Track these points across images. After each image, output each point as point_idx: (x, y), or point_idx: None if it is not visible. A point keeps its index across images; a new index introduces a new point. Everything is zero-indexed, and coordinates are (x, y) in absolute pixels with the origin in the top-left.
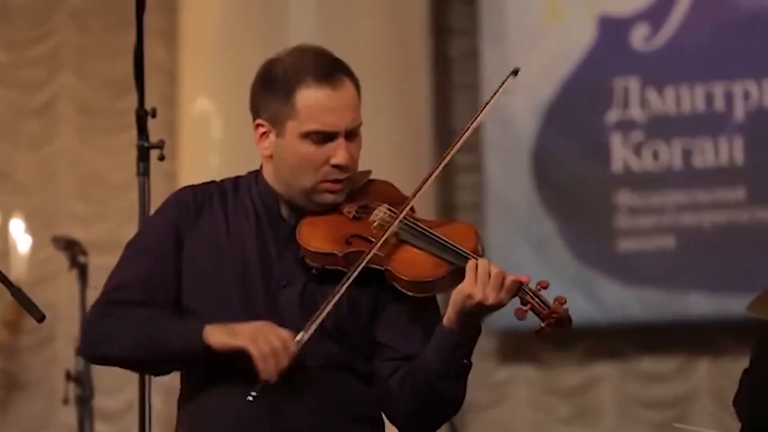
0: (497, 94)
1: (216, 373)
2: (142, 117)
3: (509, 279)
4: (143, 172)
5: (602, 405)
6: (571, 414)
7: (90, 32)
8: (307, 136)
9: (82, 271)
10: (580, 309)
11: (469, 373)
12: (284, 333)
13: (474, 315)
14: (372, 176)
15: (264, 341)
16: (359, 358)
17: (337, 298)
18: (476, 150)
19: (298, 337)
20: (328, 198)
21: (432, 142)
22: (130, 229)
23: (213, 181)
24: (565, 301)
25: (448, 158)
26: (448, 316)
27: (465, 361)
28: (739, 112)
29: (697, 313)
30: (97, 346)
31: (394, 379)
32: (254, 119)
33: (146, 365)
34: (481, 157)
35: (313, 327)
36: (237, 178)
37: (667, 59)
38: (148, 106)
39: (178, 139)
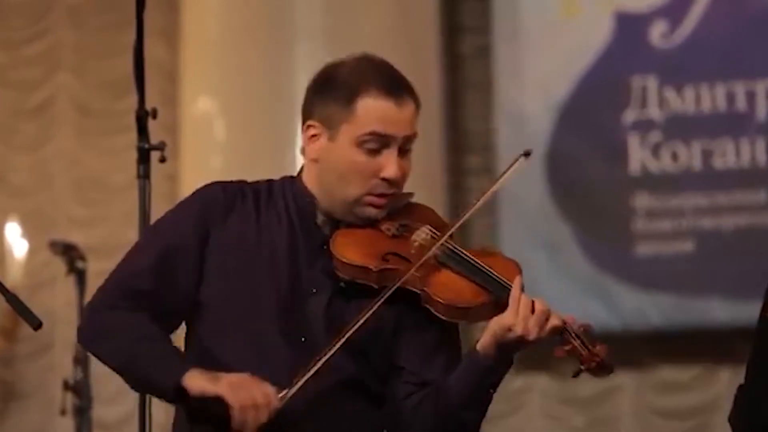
0: (509, 172)
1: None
2: (142, 118)
3: (553, 317)
4: (143, 175)
5: (619, 415)
6: (586, 424)
7: (88, 30)
8: (361, 143)
9: (81, 277)
10: (596, 316)
11: (490, 404)
12: (269, 388)
13: (511, 348)
14: None
15: (246, 393)
16: (374, 378)
17: (348, 335)
18: (488, 151)
19: (283, 393)
20: (371, 212)
21: (443, 143)
22: (129, 234)
23: (243, 181)
24: (608, 349)
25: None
26: (484, 344)
27: (491, 390)
28: (762, 111)
29: (718, 320)
30: (92, 339)
31: (409, 402)
32: (305, 120)
33: (125, 379)
34: (493, 159)
35: (302, 382)
36: (270, 181)
37: (686, 57)
38: (148, 106)
39: (179, 141)
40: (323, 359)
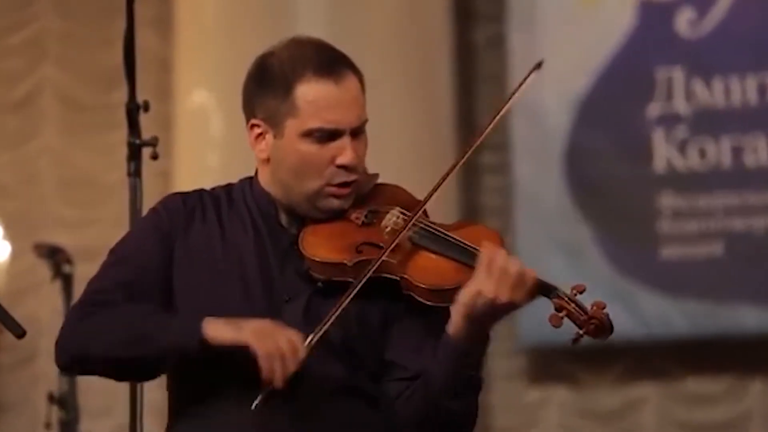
0: (520, 88)
1: (210, 390)
2: (133, 111)
3: (529, 274)
4: (134, 172)
5: (643, 429)
6: None
7: (75, 18)
8: (308, 134)
9: (67, 282)
10: (619, 323)
11: (480, 387)
12: (293, 334)
13: (483, 318)
14: (387, 177)
15: (271, 341)
16: (368, 379)
17: (347, 301)
18: (504, 148)
19: (308, 341)
20: (334, 204)
21: (454, 139)
22: (120, 235)
23: (203, 189)
24: (605, 306)
25: (465, 159)
26: (453, 321)
27: (473, 373)
28: None
29: (748, 328)
30: (77, 346)
31: (401, 400)
32: (248, 120)
33: (133, 364)
34: (508, 156)
35: (323, 329)
36: (229, 186)
37: (715, 47)
38: (140, 99)
39: (173, 136)
40: (342, 304)
